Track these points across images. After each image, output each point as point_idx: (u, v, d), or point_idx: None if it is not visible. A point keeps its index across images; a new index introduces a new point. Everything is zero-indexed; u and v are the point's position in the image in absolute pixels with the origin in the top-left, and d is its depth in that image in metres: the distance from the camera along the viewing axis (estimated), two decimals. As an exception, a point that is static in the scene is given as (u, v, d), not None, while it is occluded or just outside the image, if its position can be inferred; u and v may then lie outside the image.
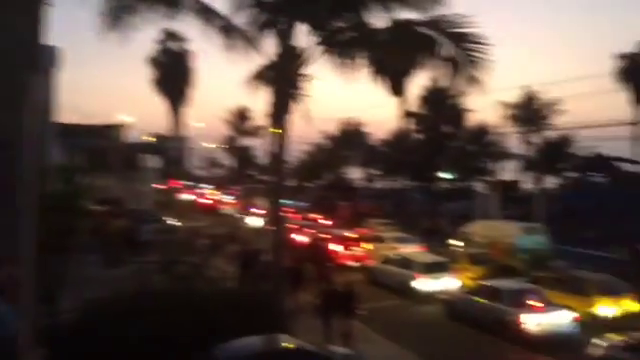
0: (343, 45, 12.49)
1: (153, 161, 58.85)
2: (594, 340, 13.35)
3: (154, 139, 66.21)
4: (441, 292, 19.59)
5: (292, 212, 40.89)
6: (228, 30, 12.58)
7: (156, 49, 66.27)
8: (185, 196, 60.65)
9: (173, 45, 66.90)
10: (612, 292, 17.23)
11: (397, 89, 48.92)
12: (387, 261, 23.19)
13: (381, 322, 17.24)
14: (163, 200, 52.65)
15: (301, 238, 30.28)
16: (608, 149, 50.04)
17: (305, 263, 20.09)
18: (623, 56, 46.27)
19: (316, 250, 26.26)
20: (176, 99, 67.72)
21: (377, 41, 12.07)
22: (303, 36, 12.52)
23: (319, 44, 12.43)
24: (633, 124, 45.19)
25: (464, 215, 37.67)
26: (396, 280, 21.65)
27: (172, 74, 65.19)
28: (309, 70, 13.34)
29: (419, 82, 44.82)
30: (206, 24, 12.45)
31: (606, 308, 16.74)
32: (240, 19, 12.69)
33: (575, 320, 15.61)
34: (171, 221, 34.61)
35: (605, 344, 13.07)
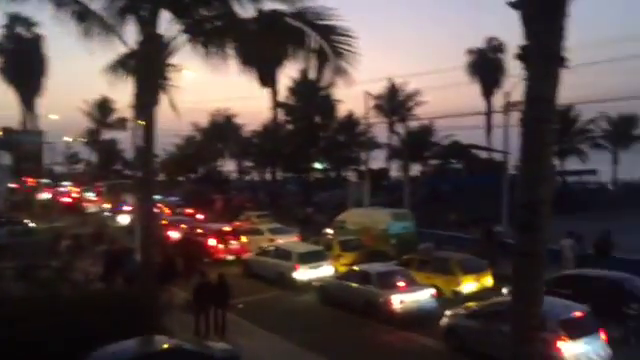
0: (209, 34, 12.18)
1: (3, 158, 53.65)
2: (445, 312, 14.79)
3: (1, 133, 60.18)
4: (317, 280, 20.04)
5: (163, 207, 39.66)
6: (83, 15, 11.71)
7: (1, 34, 60.33)
8: (44, 195, 56.10)
9: (22, 30, 61.21)
10: (473, 270, 18.71)
11: (267, 80, 49.02)
12: (263, 253, 23.25)
13: (260, 314, 17.31)
14: (18, 200, 48.51)
15: (173, 234, 29.44)
16: (465, 137, 54.55)
17: (176, 259, 19.67)
18: (472, 51, 50.22)
19: (188, 245, 25.76)
20: (27, 89, 62.07)
21: (244, 31, 11.93)
22: (167, 24, 12.05)
23: (184, 32, 12.01)
24: (485, 114, 49.29)
25: (339, 204, 38.85)
26: (273, 271, 21.77)
27: (21, 62, 59.55)
28: (176, 60, 12.89)
29: (290, 73, 45.26)
30: (58, 8, 11.50)
31: (469, 285, 18.16)
32: (97, 4, 11.88)
33: (433, 296, 16.84)
34: (28, 222, 32.06)
35: (449, 313, 14.57)
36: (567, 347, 11.46)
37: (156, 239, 13.82)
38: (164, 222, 30.77)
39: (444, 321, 14.58)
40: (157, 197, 18.61)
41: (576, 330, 11.61)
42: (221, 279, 15.53)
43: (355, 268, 18.69)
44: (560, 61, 6.73)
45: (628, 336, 13.91)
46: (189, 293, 15.48)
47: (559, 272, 16.41)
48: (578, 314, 12.22)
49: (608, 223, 23.48)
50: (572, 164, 57.53)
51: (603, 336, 12.33)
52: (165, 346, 9.85)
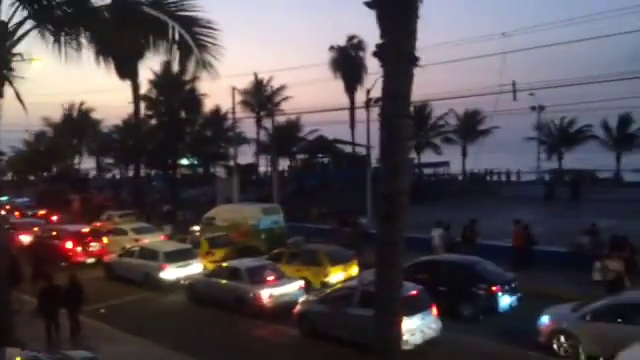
0: (59, 22, 11.26)
1: None
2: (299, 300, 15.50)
3: None
4: (185, 279, 19.54)
5: (10, 209, 36.37)
6: None
7: None
8: None
9: None
10: (340, 260, 19.35)
11: (127, 72, 46.47)
12: (127, 253, 22.15)
13: (125, 318, 16.52)
14: None
15: (24, 237, 27.14)
16: (331, 132, 56.11)
17: (19, 263, 18.18)
18: (333, 48, 51.58)
19: (39, 249, 23.98)
20: None
21: (98, 19, 11.19)
22: (12, 9, 10.94)
23: (29, 19, 11.00)
24: (349, 109, 51.02)
25: (208, 200, 38.14)
26: (139, 272, 20.83)
27: None
28: (24, 48, 11.74)
29: (152, 65, 43.36)
30: None
31: (337, 275, 18.75)
32: None
33: (302, 289, 17.19)
34: None
35: (302, 300, 15.29)
36: (404, 322, 12.36)
37: (1, 244, 12.57)
38: (13, 225, 28.23)
39: (297, 308, 15.16)
40: (3, 199, 16.96)
41: (412, 307, 12.45)
42: (73, 281, 14.60)
43: (224, 264, 18.49)
44: (413, 60, 7.16)
45: (477, 314, 15.27)
46: (38, 299, 14.40)
47: (416, 259, 17.45)
48: (413, 293, 13.18)
49: (459, 210, 25.62)
50: (427, 157, 61.88)
51: (435, 311, 13.57)
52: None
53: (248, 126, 58.35)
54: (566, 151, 58.12)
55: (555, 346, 12.66)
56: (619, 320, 11.75)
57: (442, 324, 13.61)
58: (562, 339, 12.59)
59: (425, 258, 17.19)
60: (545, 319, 13.09)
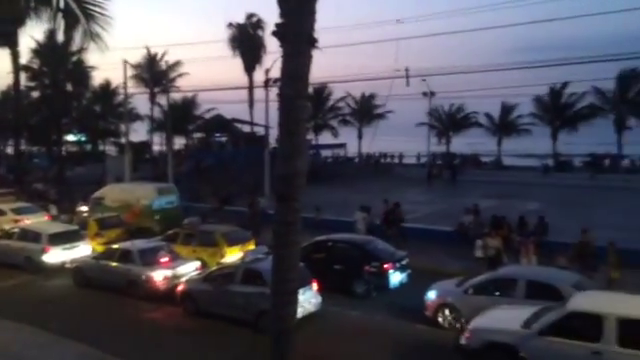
0: None
1: None
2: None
3: None
4: (72, 262, 18.51)
5: None
6: None
7: None
8: None
9: None
10: (238, 241, 19.18)
11: (5, 39, 42.68)
12: (6, 236, 20.56)
13: (3, 304, 15.40)
14: None
15: None
16: (229, 111, 55.32)
17: None
18: (232, 25, 50.49)
19: None
20: None
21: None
22: None
23: None
24: (247, 88, 50.38)
25: (98, 179, 36.20)
26: (19, 255, 19.44)
27: None
28: None
29: (35, 33, 40.10)
30: None
31: (234, 256, 18.58)
32: None
33: (198, 270, 16.95)
34: None
35: (185, 279, 15.47)
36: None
37: None
38: None
39: (180, 287, 15.18)
40: None
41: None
42: None
43: (115, 246, 17.74)
44: (312, 41, 7.19)
45: (370, 291, 15.88)
46: None
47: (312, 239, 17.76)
48: None
49: (354, 191, 26.35)
50: (325, 139, 62.93)
51: (315, 286, 14.11)
52: None
53: (141, 102, 55.97)
54: (454, 136, 61.62)
55: (440, 319, 13.50)
56: (497, 293, 12.74)
57: (336, 300, 14.03)
58: (446, 312, 13.45)
59: (321, 238, 17.52)
60: (432, 294, 13.89)
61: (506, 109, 57.25)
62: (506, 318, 11.21)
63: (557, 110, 53.79)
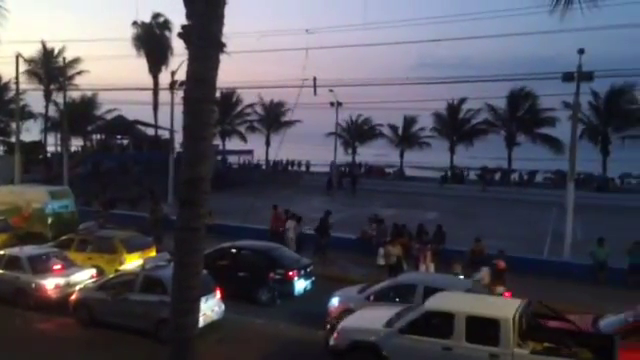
0: None
1: None
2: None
3: None
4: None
5: None
6: None
7: None
8: None
9: None
10: (138, 247, 18.43)
11: None
12: None
13: None
14: None
15: None
16: (132, 113, 53.17)
17: None
18: (137, 24, 48.68)
19: None
20: None
21: None
22: None
23: None
24: (152, 90, 48.76)
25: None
26: None
27: None
28: None
29: None
30: None
31: (134, 263, 17.83)
32: None
33: (94, 277, 16.11)
34: None
35: (79, 287, 14.77)
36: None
37: None
38: None
39: (74, 296, 14.50)
40: None
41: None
42: None
43: (1, 253, 16.46)
44: (220, 45, 7.10)
45: (274, 298, 15.87)
46: None
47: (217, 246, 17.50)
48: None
49: (260, 198, 26.25)
50: (233, 144, 62.31)
51: (219, 294, 13.96)
52: None
53: (35, 100, 52.26)
54: (360, 146, 63.12)
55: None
56: (397, 299, 13.17)
57: (240, 308, 13.87)
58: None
59: (226, 245, 17.30)
60: (334, 301, 14.10)
61: (408, 122, 59.40)
62: (372, 318, 11.69)
63: (454, 125, 56.67)
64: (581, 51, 19.73)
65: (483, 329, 10.01)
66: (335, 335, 11.48)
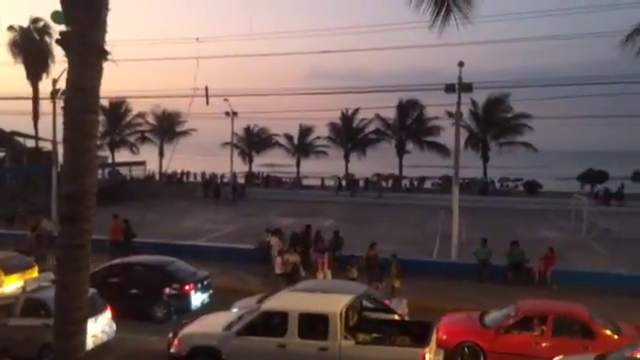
0: None
1: None
2: None
3: None
4: None
5: None
6: None
7: None
8: None
9: None
10: (17, 268, 17.17)
11: None
12: None
13: None
14: None
15: None
16: (9, 123, 49.20)
17: None
18: (13, 28, 45.35)
19: None
20: None
21: None
22: None
23: None
24: (31, 99, 45.52)
25: None
26: None
27: None
28: None
29: None
30: None
31: (12, 285, 16.46)
32: None
33: None
34: None
35: None
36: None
37: None
38: None
39: None
40: None
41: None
42: None
43: None
44: (102, 52, 6.76)
45: (170, 314, 15.32)
46: None
47: (108, 262, 16.68)
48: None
49: (153, 211, 25.37)
50: (123, 156, 59.61)
51: (109, 314, 13.34)
52: None
53: None
54: (256, 156, 62.99)
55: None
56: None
57: (134, 327, 13.26)
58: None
59: (117, 261, 16.52)
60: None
61: (304, 131, 60.08)
62: (213, 323, 11.92)
63: (349, 134, 58.13)
64: (461, 64, 21.03)
65: (314, 325, 10.61)
66: (176, 342, 11.44)
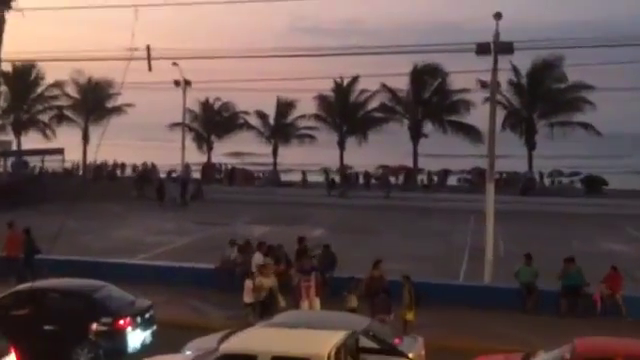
0: None
1: None
2: None
3: None
4: None
5: None
6: None
7: None
8: None
9: None
10: None
11: None
12: None
13: None
14: None
15: None
16: None
17: None
18: None
19: None
20: None
21: None
22: None
23: None
24: None
25: None
26: None
27: None
28: None
29: None
30: None
31: None
32: None
33: None
34: None
35: None
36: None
37: None
38: None
39: None
40: None
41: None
42: None
43: None
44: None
45: (98, 359, 15.23)
46: None
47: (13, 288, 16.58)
48: None
49: (76, 218, 25.17)
50: (33, 141, 59.19)
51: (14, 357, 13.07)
52: None
53: None
54: (218, 141, 62.39)
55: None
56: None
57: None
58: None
59: (24, 286, 16.39)
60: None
61: (283, 108, 59.41)
62: None
63: (344, 112, 57.57)
64: (498, 15, 20.97)
65: None
66: None
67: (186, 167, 51.79)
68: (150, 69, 26.68)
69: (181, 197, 45.30)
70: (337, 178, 55.32)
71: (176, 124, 57.70)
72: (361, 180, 57.03)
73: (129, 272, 21.36)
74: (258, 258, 20.17)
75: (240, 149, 69.75)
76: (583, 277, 19.71)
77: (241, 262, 21.51)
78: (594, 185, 51.09)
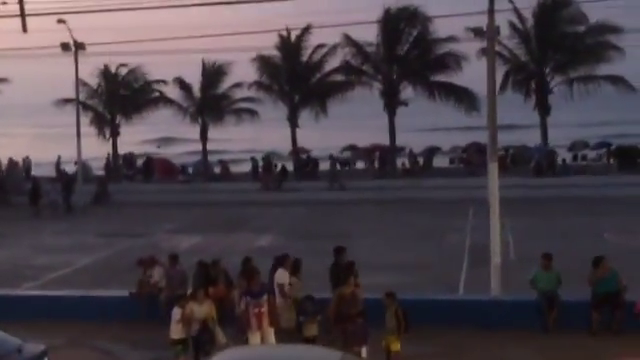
0: None
1: None
2: None
3: None
4: None
5: None
6: None
7: None
8: None
9: None
10: None
11: None
12: None
13: None
14: None
15: None
16: None
17: None
18: None
19: None
20: None
21: None
22: None
23: None
24: None
25: None
26: None
27: None
28: None
29: None
30: None
31: None
32: None
33: None
34: None
35: None
36: None
37: None
38: None
39: None
40: None
41: None
42: None
43: None
44: None
45: None
46: None
47: None
48: None
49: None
50: None
51: None
52: None
53: None
54: (126, 124, 61.54)
55: None
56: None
57: None
58: None
59: None
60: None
61: (211, 74, 58.79)
62: None
63: (294, 76, 57.22)
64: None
65: None
66: None
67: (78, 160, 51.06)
68: (25, 29, 26.20)
69: (64, 201, 44.70)
70: (290, 165, 55.36)
71: (67, 100, 56.80)
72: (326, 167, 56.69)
73: (13, 307, 21.05)
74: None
75: (157, 134, 68.87)
76: (619, 281, 19.87)
77: (167, 285, 21.40)
78: (628, 158, 51.51)
